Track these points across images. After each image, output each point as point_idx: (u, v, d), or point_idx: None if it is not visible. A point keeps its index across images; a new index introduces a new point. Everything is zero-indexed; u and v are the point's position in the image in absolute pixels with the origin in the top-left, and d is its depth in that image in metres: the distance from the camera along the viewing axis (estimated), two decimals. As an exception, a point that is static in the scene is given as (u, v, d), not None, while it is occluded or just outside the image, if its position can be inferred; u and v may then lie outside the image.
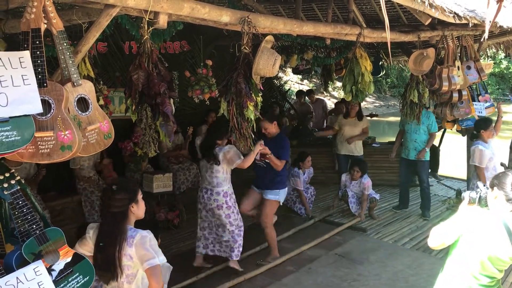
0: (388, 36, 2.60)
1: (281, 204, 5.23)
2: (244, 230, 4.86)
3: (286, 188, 5.28)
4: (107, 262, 2.53)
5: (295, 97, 10.89)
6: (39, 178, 5.17)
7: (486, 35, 2.64)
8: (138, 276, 2.59)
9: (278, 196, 5.10)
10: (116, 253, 2.50)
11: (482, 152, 5.32)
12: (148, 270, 2.50)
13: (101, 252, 2.57)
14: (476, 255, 2.52)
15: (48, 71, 2.38)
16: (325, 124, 10.17)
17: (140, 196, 2.66)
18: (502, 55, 18.39)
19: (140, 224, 2.72)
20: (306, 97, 10.41)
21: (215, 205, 4.65)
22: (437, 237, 2.66)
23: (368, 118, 8.50)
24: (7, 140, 2.08)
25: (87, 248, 2.70)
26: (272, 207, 5.11)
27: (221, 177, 4.64)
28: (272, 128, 4.98)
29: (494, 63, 25.71)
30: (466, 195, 2.76)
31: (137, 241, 2.52)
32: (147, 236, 2.55)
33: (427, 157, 6.62)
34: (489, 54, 9.78)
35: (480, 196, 2.69)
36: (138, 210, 2.65)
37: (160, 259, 2.53)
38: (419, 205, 6.89)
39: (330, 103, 17.56)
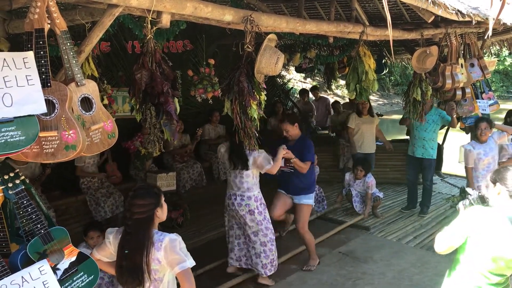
0: (390, 34, 2.60)
1: (313, 206, 5.18)
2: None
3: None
4: (134, 269, 2.45)
5: (298, 96, 10.88)
6: (43, 178, 5.20)
7: (490, 32, 2.64)
8: (164, 280, 2.53)
9: (312, 200, 5.02)
10: (144, 259, 2.43)
11: (466, 151, 5.42)
12: (180, 274, 2.44)
13: (126, 259, 2.49)
14: (485, 254, 2.50)
15: (51, 71, 2.39)
16: (327, 123, 10.16)
17: (162, 199, 2.61)
18: (506, 52, 18.33)
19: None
20: (310, 95, 10.40)
21: (247, 210, 4.45)
22: (444, 241, 2.64)
23: None
24: (11, 140, 2.09)
25: (105, 253, 2.66)
26: (308, 212, 5.01)
27: (251, 181, 4.48)
28: (293, 130, 4.82)
29: (498, 60, 25.59)
30: (460, 206, 2.79)
31: (166, 244, 2.45)
32: (177, 240, 2.49)
33: (434, 155, 6.60)
34: (493, 52, 9.75)
35: (473, 200, 2.71)
36: (163, 213, 2.60)
37: (190, 261, 2.47)
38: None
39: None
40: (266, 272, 4.52)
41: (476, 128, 5.44)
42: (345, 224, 6.21)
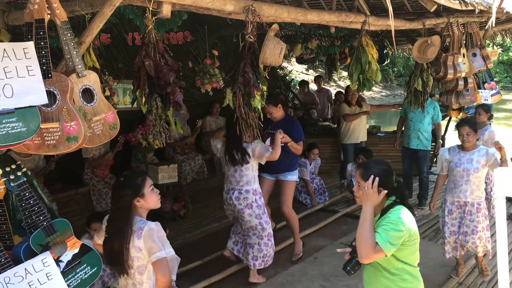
0: (392, 23, 2.58)
1: (297, 182, 5.28)
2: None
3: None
4: (114, 255, 2.53)
5: (298, 87, 10.85)
6: (47, 172, 5.19)
7: (491, 22, 2.61)
8: (149, 267, 2.56)
9: (296, 176, 5.13)
10: (123, 246, 2.48)
11: (439, 155, 4.73)
12: (155, 264, 2.49)
13: (107, 244, 2.58)
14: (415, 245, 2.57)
15: (53, 62, 2.37)
16: (329, 114, 10.14)
17: (147, 189, 2.60)
18: (510, 42, 18.20)
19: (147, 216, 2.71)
20: (314, 84, 10.36)
21: (245, 204, 4.39)
22: (394, 239, 2.38)
23: None
24: (13, 131, 2.08)
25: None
26: (293, 189, 5.15)
27: (250, 175, 4.44)
28: (277, 112, 4.86)
29: (502, 50, 25.45)
30: None
31: (145, 233, 2.49)
32: (155, 228, 2.52)
33: (429, 147, 6.62)
34: (497, 41, 9.71)
35: None
36: (146, 202, 2.61)
37: (167, 251, 2.51)
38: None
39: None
40: (255, 264, 4.46)
41: (459, 129, 4.38)
42: (342, 212, 6.30)
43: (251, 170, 4.45)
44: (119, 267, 2.53)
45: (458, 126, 4.42)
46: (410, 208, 2.55)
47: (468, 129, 4.25)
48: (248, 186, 4.43)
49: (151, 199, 2.64)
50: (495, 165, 4.20)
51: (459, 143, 4.41)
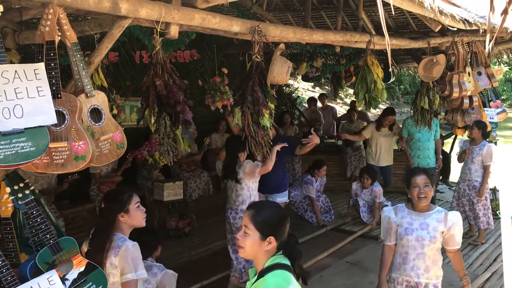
0: (387, 43, 2.60)
1: (286, 202, 5.27)
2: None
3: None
4: None
5: (306, 104, 10.89)
6: (59, 191, 5.22)
7: (489, 45, 2.63)
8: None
9: (286, 197, 5.22)
10: (102, 259, 2.55)
11: (382, 217, 3.36)
12: (124, 284, 2.55)
13: (89, 256, 2.62)
14: None
15: (62, 79, 2.41)
16: (335, 131, 10.14)
17: (133, 205, 2.65)
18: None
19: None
20: (318, 103, 10.38)
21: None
22: None
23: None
24: (22, 151, 2.10)
25: None
26: None
27: (246, 194, 4.56)
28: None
29: (509, 68, 25.42)
30: None
31: (121, 252, 2.54)
32: (131, 249, 2.56)
33: (435, 164, 6.57)
34: (503, 60, 9.72)
35: None
36: (131, 219, 2.65)
37: (138, 273, 2.56)
38: None
39: (343, 110, 17.49)
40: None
41: (409, 183, 3.13)
42: (355, 235, 6.16)
43: (246, 190, 4.56)
44: None
45: (411, 175, 3.15)
46: (304, 273, 2.00)
47: (425, 179, 3.05)
48: (243, 206, 4.53)
49: (135, 216, 2.69)
50: (451, 241, 3.05)
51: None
